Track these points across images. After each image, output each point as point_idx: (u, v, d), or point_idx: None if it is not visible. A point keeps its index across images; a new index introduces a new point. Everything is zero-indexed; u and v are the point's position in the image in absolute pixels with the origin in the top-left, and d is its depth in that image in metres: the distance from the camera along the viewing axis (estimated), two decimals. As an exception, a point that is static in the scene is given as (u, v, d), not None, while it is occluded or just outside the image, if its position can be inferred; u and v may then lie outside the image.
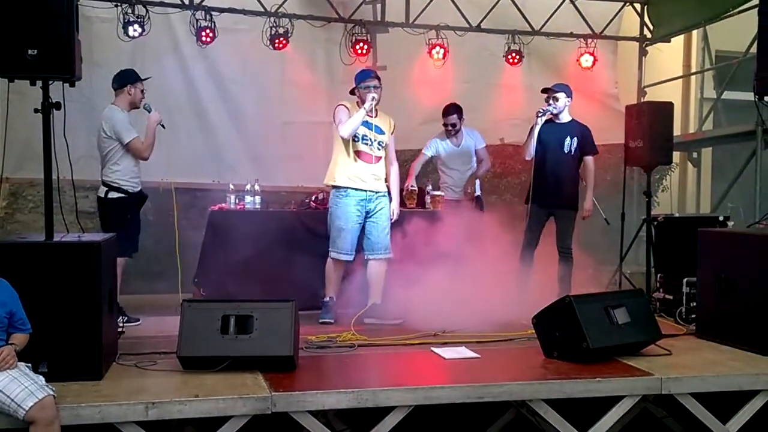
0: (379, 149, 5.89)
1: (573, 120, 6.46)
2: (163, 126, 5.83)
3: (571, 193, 6.36)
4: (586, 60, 8.91)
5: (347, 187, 5.80)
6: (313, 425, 3.84)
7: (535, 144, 6.38)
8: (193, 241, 6.68)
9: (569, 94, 6.42)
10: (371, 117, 5.80)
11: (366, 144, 5.82)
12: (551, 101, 6.39)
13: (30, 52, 3.96)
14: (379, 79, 5.89)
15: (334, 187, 5.88)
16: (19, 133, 6.64)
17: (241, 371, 4.08)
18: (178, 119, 7.78)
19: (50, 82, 4.15)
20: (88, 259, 3.95)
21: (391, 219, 5.95)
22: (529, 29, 8.76)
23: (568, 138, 6.34)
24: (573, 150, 6.34)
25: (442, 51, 8.37)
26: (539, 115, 6.35)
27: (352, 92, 6.01)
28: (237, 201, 6.58)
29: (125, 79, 5.75)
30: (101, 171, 5.74)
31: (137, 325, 5.62)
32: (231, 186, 6.66)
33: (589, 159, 6.42)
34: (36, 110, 4.15)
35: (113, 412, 3.58)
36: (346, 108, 5.82)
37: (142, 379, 4.06)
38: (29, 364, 3.57)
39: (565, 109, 6.40)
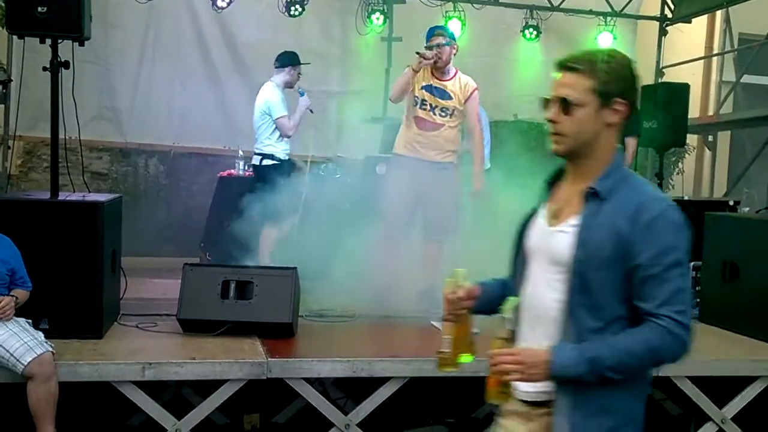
0: (443, 115, 5.22)
1: None
2: (311, 111, 6.03)
3: None
4: (605, 38, 8.79)
5: (402, 155, 5.29)
6: (308, 392, 3.87)
7: None
8: (203, 206, 6.70)
9: None
10: (437, 80, 5.20)
11: (424, 109, 5.22)
12: None
13: (40, 9, 3.97)
14: (444, 35, 5.23)
15: (394, 155, 5.40)
16: (33, 92, 6.62)
17: (240, 336, 4.11)
18: (190, 84, 7.78)
19: (59, 40, 4.15)
20: (91, 219, 3.98)
21: (475, 190, 5.24)
22: (548, 5, 8.66)
23: None
24: None
25: (459, 24, 8.28)
26: None
27: None
28: (246, 167, 6.59)
29: (289, 60, 6.04)
30: (256, 142, 5.97)
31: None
32: (240, 152, 6.67)
33: (628, 140, 6.04)
34: (45, 68, 4.15)
35: (111, 371, 3.63)
36: (410, 69, 5.18)
37: (141, 339, 4.10)
38: (30, 320, 3.61)
39: None
